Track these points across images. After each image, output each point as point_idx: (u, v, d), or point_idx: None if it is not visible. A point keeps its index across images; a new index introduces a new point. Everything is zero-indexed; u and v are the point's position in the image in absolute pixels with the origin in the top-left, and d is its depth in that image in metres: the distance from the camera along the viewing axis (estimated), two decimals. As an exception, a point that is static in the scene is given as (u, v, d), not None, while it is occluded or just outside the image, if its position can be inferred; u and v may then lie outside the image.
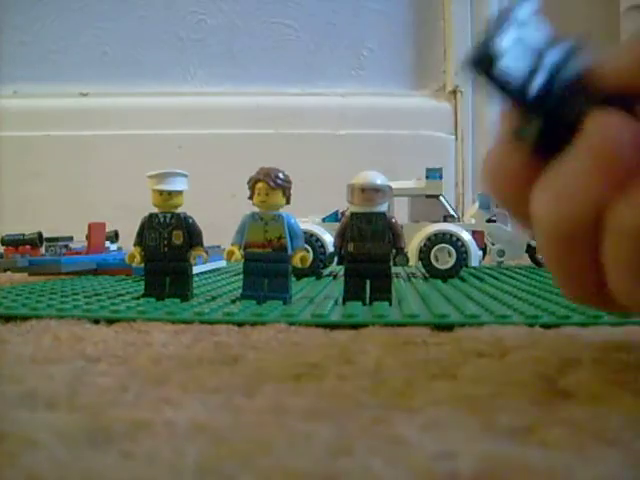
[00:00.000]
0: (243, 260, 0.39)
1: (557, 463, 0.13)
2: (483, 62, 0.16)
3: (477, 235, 0.59)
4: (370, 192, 0.37)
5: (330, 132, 1.00)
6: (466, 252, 0.55)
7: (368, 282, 0.38)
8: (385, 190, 0.38)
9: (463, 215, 0.68)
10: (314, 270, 0.55)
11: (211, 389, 0.19)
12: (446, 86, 1.03)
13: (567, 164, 0.18)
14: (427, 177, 0.59)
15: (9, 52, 1.00)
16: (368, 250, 0.37)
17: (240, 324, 0.32)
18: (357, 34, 1.03)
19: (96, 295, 0.42)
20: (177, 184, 0.40)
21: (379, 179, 0.38)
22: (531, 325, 0.30)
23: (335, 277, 0.57)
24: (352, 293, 0.38)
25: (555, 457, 0.14)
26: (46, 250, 0.60)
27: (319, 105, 1.01)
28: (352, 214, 0.38)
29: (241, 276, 0.40)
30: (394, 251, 0.38)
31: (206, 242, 0.41)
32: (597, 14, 0.99)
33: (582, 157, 0.18)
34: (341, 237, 0.38)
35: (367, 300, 0.38)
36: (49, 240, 0.61)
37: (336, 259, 0.39)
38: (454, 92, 1.01)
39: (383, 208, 0.38)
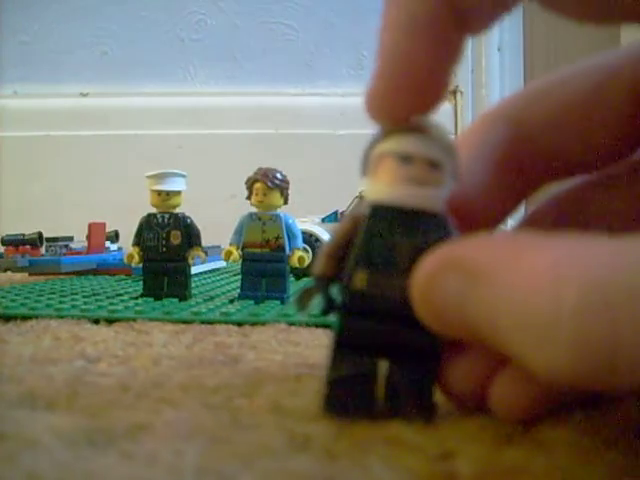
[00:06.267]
0: (241, 260, 0.39)
1: (556, 464, 0.13)
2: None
3: None
4: (422, 167, 0.16)
5: (330, 132, 1.00)
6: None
7: None
8: (450, 163, 0.17)
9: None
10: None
11: (211, 389, 0.19)
12: (446, 86, 1.03)
13: None
14: None
15: (9, 52, 1.00)
16: (392, 293, 0.16)
17: (239, 324, 0.32)
18: (357, 34, 1.03)
19: (95, 295, 0.42)
20: (175, 184, 0.40)
21: (438, 143, 0.16)
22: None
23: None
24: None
25: (554, 458, 0.14)
26: (46, 250, 0.60)
27: (319, 105, 1.01)
28: (374, 209, 0.17)
29: (240, 276, 0.40)
30: None
31: (206, 242, 0.41)
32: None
33: None
34: (335, 256, 0.17)
35: None
36: (49, 240, 0.61)
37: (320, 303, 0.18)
38: (454, 92, 1.01)
39: (441, 201, 0.17)
